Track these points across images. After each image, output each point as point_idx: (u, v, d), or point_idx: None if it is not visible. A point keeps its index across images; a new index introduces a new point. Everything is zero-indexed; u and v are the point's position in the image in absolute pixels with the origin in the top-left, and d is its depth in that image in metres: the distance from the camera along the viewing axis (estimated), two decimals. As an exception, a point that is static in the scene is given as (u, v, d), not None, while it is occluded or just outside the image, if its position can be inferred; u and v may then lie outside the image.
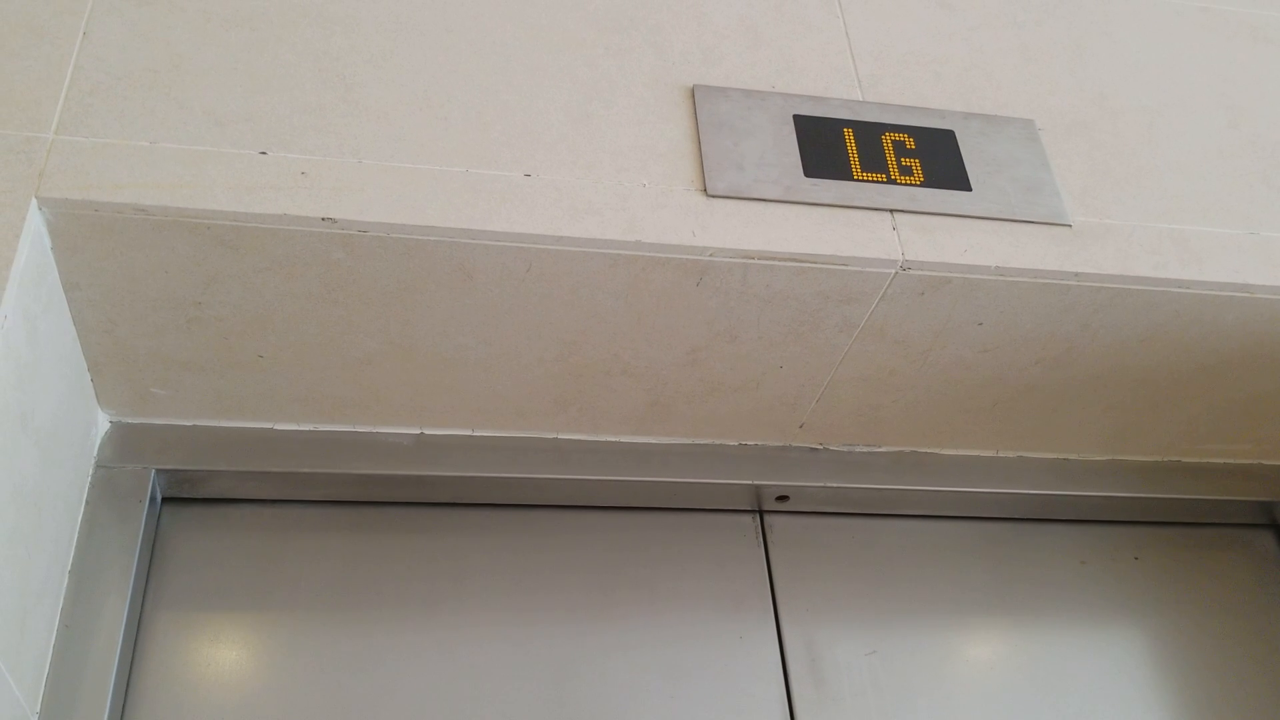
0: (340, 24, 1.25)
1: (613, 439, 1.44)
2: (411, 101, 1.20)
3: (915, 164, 1.28)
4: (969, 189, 1.27)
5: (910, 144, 1.29)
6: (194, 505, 1.37)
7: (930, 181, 1.27)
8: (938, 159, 1.29)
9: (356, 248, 1.12)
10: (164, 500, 1.36)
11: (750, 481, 1.46)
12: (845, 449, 1.50)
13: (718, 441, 1.47)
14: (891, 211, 1.24)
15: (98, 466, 1.30)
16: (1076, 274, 1.24)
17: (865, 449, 1.50)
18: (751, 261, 1.18)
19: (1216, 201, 1.35)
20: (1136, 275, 1.26)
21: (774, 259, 1.18)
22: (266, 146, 1.13)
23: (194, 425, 1.34)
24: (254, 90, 1.17)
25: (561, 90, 1.25)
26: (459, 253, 1.14)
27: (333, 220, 1.09)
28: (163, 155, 1.10)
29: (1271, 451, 1.59)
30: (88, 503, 1.27)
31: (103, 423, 1.32)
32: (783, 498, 1.49)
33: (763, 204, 1.21)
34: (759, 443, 1.48)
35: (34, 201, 1.04)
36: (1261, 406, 1.48)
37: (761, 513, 1.52)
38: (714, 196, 1.20)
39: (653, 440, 1.45)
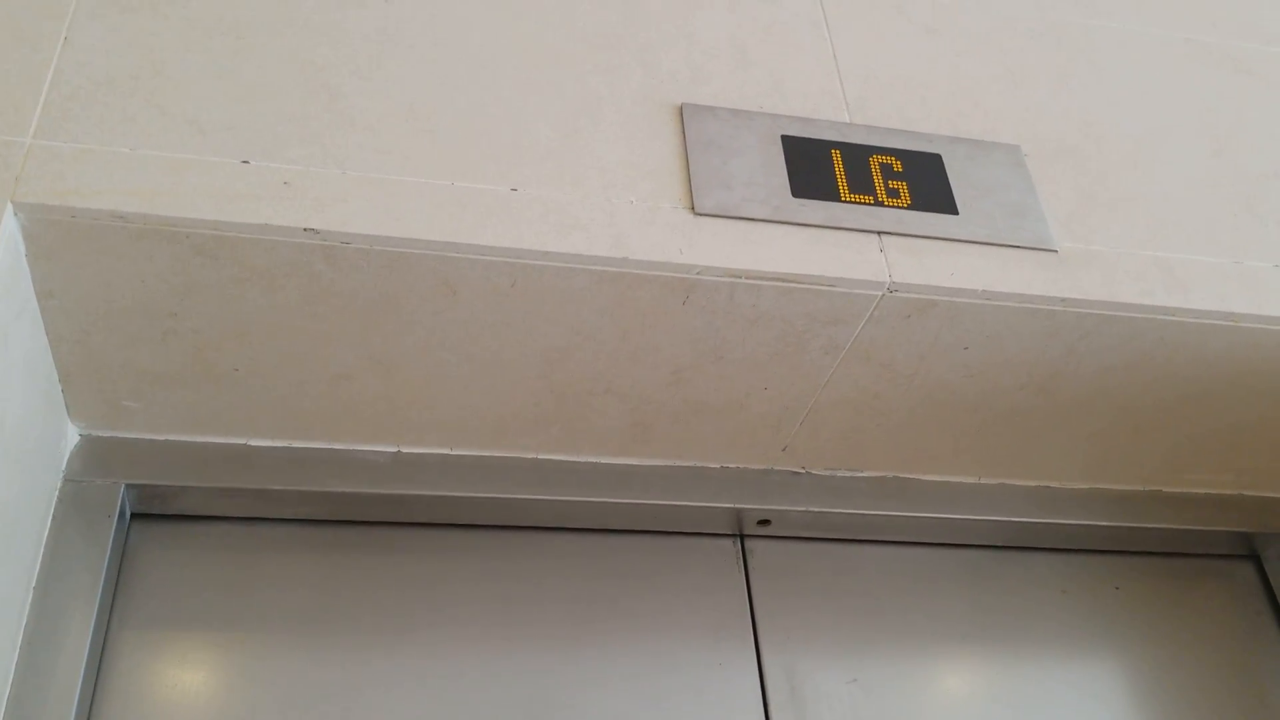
0: (326, 34, 1.23)
1: (593, 459, 1.42)
2: (397, 113, 1.19)
3: (902, 187, 1.27)
4: (956, 212, 1.27)
5: (897, 166, 1.29)
6: (164, 521, 1.34)
7: (917, 204, 1.26)
8: (925, 182, 1.29)
9: (339, 260, 1.10)
10: (133, 516, 1.32)
11: (731, 505, 1.44)
12: (827, 473, 1.49)
13: (699, 464, 1.45)
14: (879, 233, 1.23)
15: (66, 480, 1.26)
16: (1063, 299, 1.24)
17: (847, 473, 1.49)
18: (738, 280, 1.17)
19: (1201, 229, 1.35)
20: (1122, 301, 1.25)
21: (761, 278, 1.18)
22: (249, 155, 1.11)
23: (166, 440, 1.31)
24: (237, 99, 1.15)
25: (549, 105, 1.24)
26: (443, 266, 1.12)
27: (315, 231, 1.08)
28: (143, 162, 1.08)
29: (1253, 482, 1.59)
30: (55, 517, 1.24)
31: (72, 435, 1.29)
32: (764, 521, 1.48)
33: (750, 223, 1.20)
34: (741, 465, 1.46)
35: (9, 206, 1.02)
36: (1243, 436, 1.48)
37: (742, 536, 1.51)
38: (701, 215, 1.19)
39: (634, 461, 1.43)
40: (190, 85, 1.15)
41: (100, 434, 1.30)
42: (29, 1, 1.17)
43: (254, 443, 1.33)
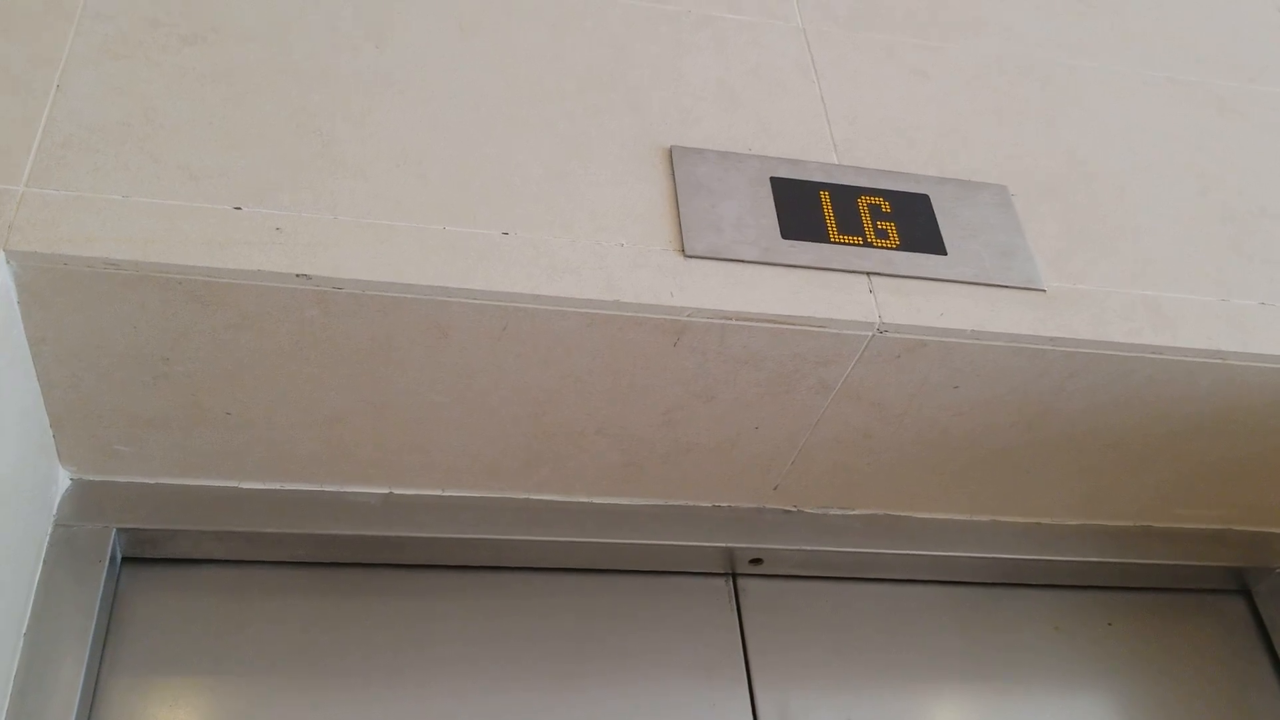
0: (318, 80, 1.24)
1: (585, 500, 1.42)
2: (389, 158, 1.19)
3: (891, 227, 1.28)
4: (944, 253, 1.28)
5: (886, 207, 1.30)
6: (155, 565, 1.34)
7: (906, 245, 1.27)
8: (913, 223, 1.29)
9: (331, 305, 1.11)
10: (124, 560, 1.32)
11: (723, 544, 1.44)
12: (819, 511, 1.49)
13: (691, 503, 1.45)
14: (868, 274, 1.24)
15: (57, 525, 1.26)
16: (1051, 339, 1.24)
17: (839, 512, 1.49)
18: (729, 322, 1.18)
19: (1188, 268, 1.36)
20: (1111, 340, 1.26)
21: (751, 320, 1.18)
22: (241, 202, 1.12)
23: (157, 483, 1.31)
24: (229, 145, 1.16)
25: (540, 149, 1.25)
26: (435, 311, 1.12)
27: (307, 277, 1.08)
28: (135, 209, 1.08)
29: (1243, 517, 1.59)
30: (45, 562, 1.23)
31: (63, 480, 1.29)
32: (756, 560, 1.48)
33: (740, 265, 1.21)
34: (733, 504, 1.47)
35: (2, 254, 1.02)
36: (1232, 472, 1.49)
37: (735, 575, 1.50)
38: (692, 257, 1.20)
39: (625, 501, 1.43)
40: (182, 132, 1.16)
41: (91, 478, 1.30)
42: (22, 49, 1.18)
43: (245, 486, 1.33)
